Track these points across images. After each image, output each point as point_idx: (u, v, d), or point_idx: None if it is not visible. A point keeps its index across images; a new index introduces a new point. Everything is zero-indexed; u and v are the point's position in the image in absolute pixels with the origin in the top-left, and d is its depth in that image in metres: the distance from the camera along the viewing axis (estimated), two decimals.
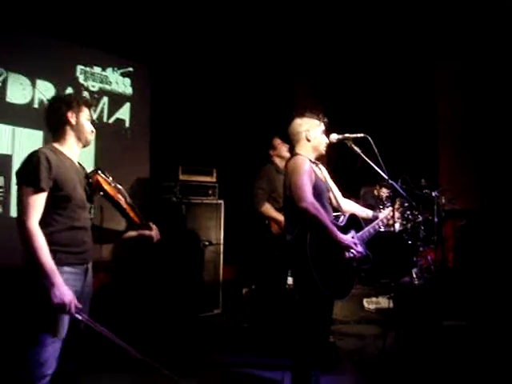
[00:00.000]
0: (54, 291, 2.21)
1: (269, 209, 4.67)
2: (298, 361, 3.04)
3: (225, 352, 4.58)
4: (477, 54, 6.81)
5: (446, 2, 6.19)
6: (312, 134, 3.17)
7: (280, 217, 4.41)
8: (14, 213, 4.76)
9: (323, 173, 3.30)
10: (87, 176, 2.62)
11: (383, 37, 6.88)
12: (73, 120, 2.52)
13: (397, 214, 3.41)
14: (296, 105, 7.24)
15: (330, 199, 3.28)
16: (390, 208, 3.42)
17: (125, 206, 2.65)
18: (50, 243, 2.30)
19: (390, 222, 3.43)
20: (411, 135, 7.21)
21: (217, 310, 5.82)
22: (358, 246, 3.03)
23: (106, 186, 2.60)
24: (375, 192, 6.97)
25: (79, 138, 2.58)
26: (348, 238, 3.00)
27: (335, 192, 3.38)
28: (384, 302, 5.60)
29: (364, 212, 3.47)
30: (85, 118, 2.57)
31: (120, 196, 2.65)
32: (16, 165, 4.94)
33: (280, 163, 4.67)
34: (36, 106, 5.29)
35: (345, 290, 3.02)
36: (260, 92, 7.10)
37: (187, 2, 5.85)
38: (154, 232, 2.76)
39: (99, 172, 2.64)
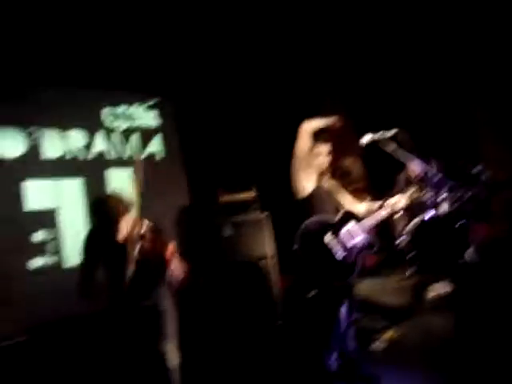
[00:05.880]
0: None
1: None
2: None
3: None
4: None
5: None
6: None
7: None
8: (67, 263, 4.81)
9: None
10: None
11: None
12: None
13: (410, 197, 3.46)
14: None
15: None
16: (399, 195, 3.46)
17: None
18: None
19: (396, 206, 3.44)
20: (448, 119, 7.05)
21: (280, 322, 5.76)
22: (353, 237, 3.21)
23: None
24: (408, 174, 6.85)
25: None
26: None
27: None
28: (446, 287, 5.49)
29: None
30: None
31: None
32: (61, 217, 5.12)
33: None
34: (68, 157, 5.40)
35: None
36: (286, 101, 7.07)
37: (203, 30, 5.91)
38: None
39: None
